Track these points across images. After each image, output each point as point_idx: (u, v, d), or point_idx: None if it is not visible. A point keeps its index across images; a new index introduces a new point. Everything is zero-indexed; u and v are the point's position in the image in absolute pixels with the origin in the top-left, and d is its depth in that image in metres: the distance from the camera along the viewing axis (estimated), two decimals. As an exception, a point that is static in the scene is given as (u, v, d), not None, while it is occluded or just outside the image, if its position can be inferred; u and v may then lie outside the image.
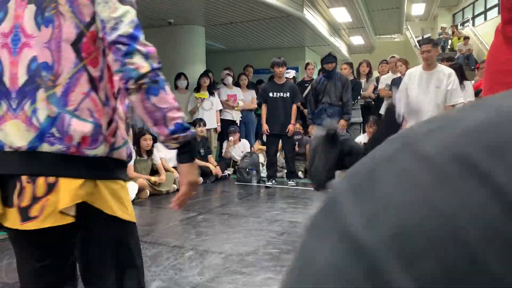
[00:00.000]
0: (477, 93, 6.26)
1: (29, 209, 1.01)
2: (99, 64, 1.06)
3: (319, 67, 8.76)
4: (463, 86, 6.18)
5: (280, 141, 5.78)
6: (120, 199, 1.10)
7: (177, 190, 5.41)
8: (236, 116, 7.05)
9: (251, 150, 6.67)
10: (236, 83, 7.30)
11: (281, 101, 5.62)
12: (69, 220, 1.01)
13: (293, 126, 5.69)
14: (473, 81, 6.61)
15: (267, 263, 2.69)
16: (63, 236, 1.09)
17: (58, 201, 1.00)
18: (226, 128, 6.77)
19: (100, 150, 1.05)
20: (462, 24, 18.03)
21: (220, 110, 6.82)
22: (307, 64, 7.41)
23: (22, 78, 1.03)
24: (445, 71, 4.54)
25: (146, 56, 1.03)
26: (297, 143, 6.09)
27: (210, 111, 6.59)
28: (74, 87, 1.03)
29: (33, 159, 1.02)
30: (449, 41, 15.69)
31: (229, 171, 6.52)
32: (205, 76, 6.64)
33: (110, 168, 1.09)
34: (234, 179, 6.21)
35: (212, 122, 6.61)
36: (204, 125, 6.21)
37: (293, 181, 5.77)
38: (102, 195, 1.05)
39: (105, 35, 1.03)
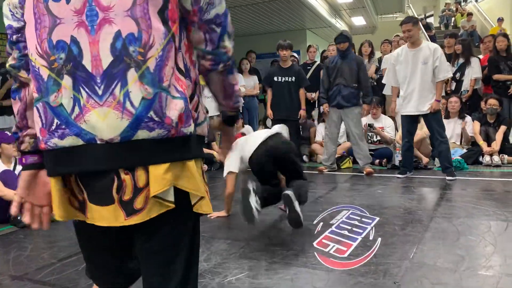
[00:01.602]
0: (482, 68, 6.18)
1: (133, 202, 0.93)
2: (178, 33, 0.96)
3: (321, 49, 8.69)
4: (469, 63, 6.13)
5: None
6: (203, 182, 1.03)
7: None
8: (238, 102, 7.00)
9: (254, 135, 6.64)
10: (238, 69, 7.24)
11: (286, 85, 5.49)
12: (170, 206, 0.94)
13: (304, 112, 5.58)
14: (480, 56, 6.52)
15: (272, 247, 2.68)
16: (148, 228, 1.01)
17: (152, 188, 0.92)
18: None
19: (192, 127, 0.97)
20: (465, 0, 17.73)
21: (222, 97, 6.76)
22: (309, 46, 7.31)
23: (106, 59, 0.88)
24: (430, 47, 4.56)
25: (230, 37, 1.01)
26: (301, 127, 6.05)
27: (212, 98, 6.53)
28: (166, 61, 0.92)
29: (129, 150, 0.90)
30: (453, 18, 15.46)
31: (233, 157, 6.50)
32: (205, 63, 6.58)
33: (197, 146, 1.02)
34: (238, 165, 6.20)
35: (214, 109, 6.54)
36: (206, 112, 6.16)
37: (297, 165, 5.74)
38: (193, 176, 0.97)
39: (199, 10, 0.95)
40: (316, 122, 6.70)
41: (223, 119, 1.25)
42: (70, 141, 0.91)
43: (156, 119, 0.90)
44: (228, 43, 1.01)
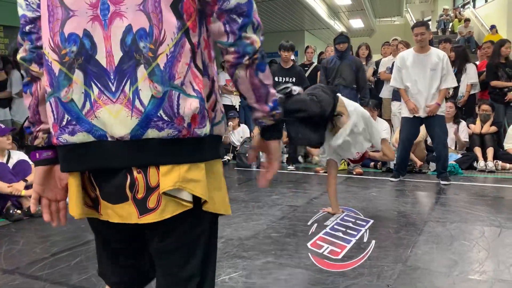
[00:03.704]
0: (479, 74, 6.20)
1: (146, 201, 0.91)
2: (197, 28, 0.92)
3: (318, 50, 8.70)
4: (465, 68, 6.15)
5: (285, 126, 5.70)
6: (220, 184, 1.00)
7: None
8: (235, 101, 6.99)
9: (250, 135, 6.64)
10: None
11: None
12: (188, 206, 0.92)
13: None
14: (477, 62, 6.56)
15: (267, 247, 2.68)
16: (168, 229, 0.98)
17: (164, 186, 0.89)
18: (225, 113, 6.71)
19: (207, 128, 0.93)
20: (463, 6, 17.84)
21: (219, 95, 6.75)
22: (307, 47, 7.31)
23: (117, 55, 0.86)
24: (439, 54, 4.51)
25: (257, 29, 0.93)
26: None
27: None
28: (179, 57, 0.88)
29: (139, 149, 0.89)
30: (450, 24, 15.54)
31: (228, 157, 6.50)
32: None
33: (213, 147, 0.98)
34: (234, 164, 6.19)
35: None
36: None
37: (293, 165, 5.75)
38: (201, 180, 0.93)
39: (218, 0, 0.89)
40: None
41: (261, 132, 1.06)
42: (81, 137, 0.90)
43: (166, 118, 0.87)
44: (253, 34, 0.92)
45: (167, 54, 0.87)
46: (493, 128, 5.63)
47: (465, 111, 6.26)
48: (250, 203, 3.82)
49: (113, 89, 0.87)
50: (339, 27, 11.43)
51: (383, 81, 6.52)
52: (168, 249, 0.98)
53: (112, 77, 0.87)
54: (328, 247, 2.66)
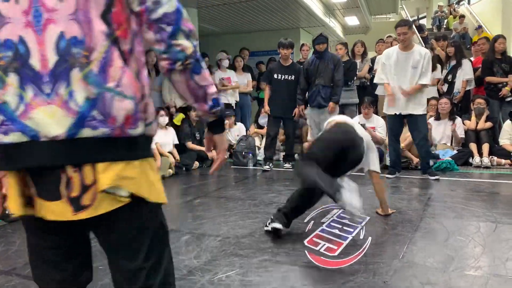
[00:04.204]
0: (474, 70, 6.22)
1: (80, 198, 0.95)
2: (129, 36, 0.97)
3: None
4: (460, 64, 6.17)
5: (282, 124, 5.70)
6: (153, 179, 1.05)
7: (174, 174, 5.40)
8: (232, 99, 6.99)
9: (247, 133, 6.64)
10: (232, 66, 7.21)
11: (285, 83, 5.48)
12: (124, 201, 0.97)
13: (299, 110, 5.59)
14: (472, 58, 6.58)
15: (263, 245, 2.68)
16: (99, 223, 1.02)
17: (101, 184, 0.94)
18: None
19: (140, 129, 0.99)
20: (458, 2, 17.88)
21: (215, 94, 6.75)
22: (302, 45, 7.31)
23: (52, 58, 0.91)
24: (421, 51, 4.56)
25: (188, 35, 1.00)
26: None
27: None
28: (111, 62, 0.93)
29: (74, 147, 0.93)
30: (445, 20, 15.58)
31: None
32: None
33: (145, 147, 1.04)
34: (230, 163, 6.19)
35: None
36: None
37: (289, 163, 5.75)
38: (141, 178, 1.00)
39: (146, 10, 0.95)
40: (308, 121, 6.70)
41: (207, 126, 1.18)
42: (15, 137, 0.93)
43: (100, 118, 0.93)
44: (184, 41, 0.99)
45: (100, 60, 0.93)
46: (488, 124, 5.65)
47: (461, 108, 6.28)
48: (246, 201, 3.82)
49: (48, 91, 0.92)
50: (334, 25, 11.43)
51: (379, 78, 6.52)
52: (114, 244, 1.04)
53: (47, 79, 0.91)
54: (324, 244, 2.66)
